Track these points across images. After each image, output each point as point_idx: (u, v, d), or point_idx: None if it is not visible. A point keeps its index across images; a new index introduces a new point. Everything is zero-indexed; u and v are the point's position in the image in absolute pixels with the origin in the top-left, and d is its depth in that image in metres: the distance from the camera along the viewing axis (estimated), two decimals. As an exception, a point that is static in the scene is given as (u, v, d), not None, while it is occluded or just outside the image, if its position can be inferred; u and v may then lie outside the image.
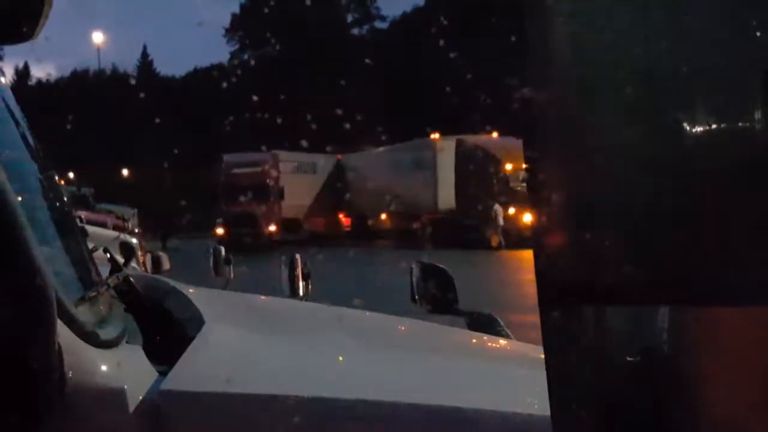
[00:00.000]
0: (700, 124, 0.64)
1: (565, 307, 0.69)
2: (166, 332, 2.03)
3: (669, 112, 0.65)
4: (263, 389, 1.67)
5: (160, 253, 8.01)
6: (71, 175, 35.87)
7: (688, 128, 0.64)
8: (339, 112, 30.22)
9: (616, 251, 0.65)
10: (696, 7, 0.64)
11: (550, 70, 0.70)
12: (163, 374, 1.69)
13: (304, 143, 38.23)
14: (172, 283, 2.56)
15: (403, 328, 2.71)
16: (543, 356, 2.06)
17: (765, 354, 0.61)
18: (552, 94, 0.70)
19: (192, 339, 1.89)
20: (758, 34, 0.61)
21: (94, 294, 1.75)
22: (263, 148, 37.75)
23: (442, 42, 43.77)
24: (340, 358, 1.99)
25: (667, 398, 0.65)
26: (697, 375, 0.64)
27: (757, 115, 0.61)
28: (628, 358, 0.66)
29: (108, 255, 2.35)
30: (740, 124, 0.63)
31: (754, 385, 0.62)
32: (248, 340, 2.04)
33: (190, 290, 2.47)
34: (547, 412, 1.56)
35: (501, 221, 31.24)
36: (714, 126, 0.64)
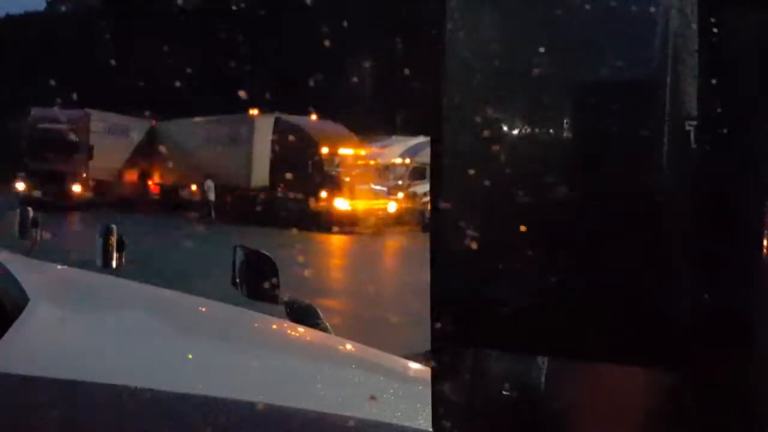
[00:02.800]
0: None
1: (451, 347, 0.70)
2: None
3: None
4: (90, 376, 1.62)
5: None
6: None
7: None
8: (159, 76, 29.44)
9: (501, 297, 0.67)
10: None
11: (463, 73, 0.71)
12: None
13: (119, 105, 37.09)
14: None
15: (220, 314, 2.67)
16: (361, 352, 2.07)
17: (636, 413, 0.65)
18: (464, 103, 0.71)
19: (12, 316, 1.80)
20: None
21: None
22: (75, 105, 36.40)
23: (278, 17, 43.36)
24: (190, 356, 1.95)
25: None
26: (568, 424, 0.67)
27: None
28: (504, 394, 0.68)
29: None
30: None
31: None
32: (75, 322, 1.97)
33: (7, 259, 2.37)
34: (376, 417, 1.59)
35: (212, 197, 33.17)
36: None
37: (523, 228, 0.67)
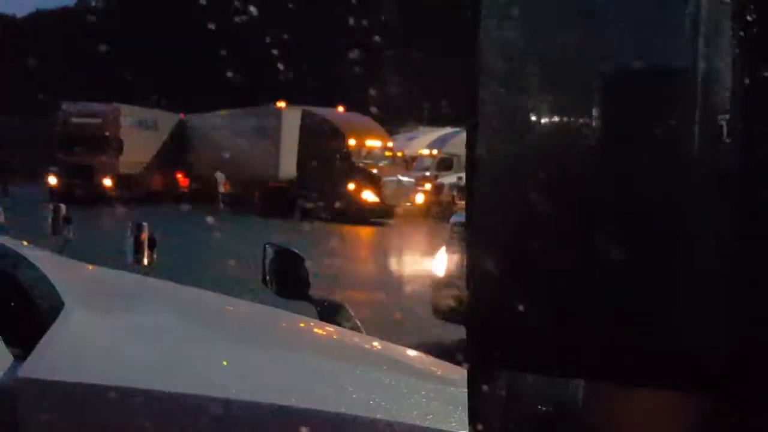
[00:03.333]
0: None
1: (486, 367, 0.70)
2: (19, 311, 1.95)
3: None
4: (123, 381, 1.63)
5: (-4, 207, 7.64)
6: None
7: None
8: (187, 71, 29.56)
9: (539, 319, 0.67)
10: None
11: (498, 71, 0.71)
12: (18, 358, 1.62)
13: (148, 99, 37.28)
14: (20, 248, 2.46)
15: (260, 317, 2.69)
16: (391, 354, 2.07)
17: None
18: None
19: (47, 319, 1.82)
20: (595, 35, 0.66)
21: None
22: (105, 99, 36.65)
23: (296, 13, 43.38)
24: (225, 362, 1.95)
25: None
26: None
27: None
28: (539, 413, 0.69)
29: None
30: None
31: None
32: (109, 326, 1.99)
33: (39, 258, 2.38)
34: (406, 420, 1.59)
35: (222, 188, 33.81)
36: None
37: (558, 244, 0.67)
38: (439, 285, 8.61)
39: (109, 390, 1.55)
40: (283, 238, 3.56)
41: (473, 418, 0.71)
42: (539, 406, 0.70)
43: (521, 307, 0.67)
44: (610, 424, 0.66)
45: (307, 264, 3.42)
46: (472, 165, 0.70)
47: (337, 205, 28.86)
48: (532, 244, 0.68)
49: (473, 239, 0.72)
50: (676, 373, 0.63)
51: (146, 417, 1.54)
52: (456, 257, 8.33)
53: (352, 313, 3.19)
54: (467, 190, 0.72)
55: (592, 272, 0.66)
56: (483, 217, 0.71)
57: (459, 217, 9.13)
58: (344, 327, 2.95)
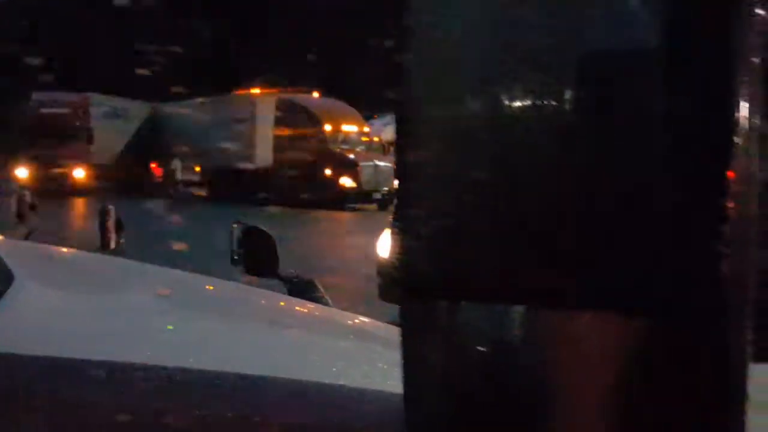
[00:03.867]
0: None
1: (423, 302, 0.68)
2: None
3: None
4: (76, 353, 1.59)
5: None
6: None
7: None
8: (158, 58, 29.40)
9: (473, 249, 0.65)
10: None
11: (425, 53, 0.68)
12: (-35, 332, 1.58)
13: (118, 88, 37.07)
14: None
15: (222, 291, 2.66)
16: (363, 325, 2.06)
17: (612, 360, 0.63)
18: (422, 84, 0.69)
19: (-1, 295, 1.78)
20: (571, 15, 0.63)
21: None
22: (76, 89, 36.47)
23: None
24: (170, 327, 1.93)
25: (514, 390, 0.66)
26: (545, 372, 0.65)
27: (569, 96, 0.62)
28: (479, 349, 0.66)
29: None
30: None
31: (599, 387, 0.64)
32: (61, 300, 1.94)
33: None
34: (379, 387, 1.57)
35: (179, 176, 33.79)
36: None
37: (496, 173, 0.64)
38: (384, 267, 8.57)
39: (55, 360, 1.52)
40: (258, 224, 3.54)
41: (407, 358, 0.69)
42: (478, 340, 0.67)
43: (456, 237, 0.65)
44: (550, 352, 0.65)
45: (279, 245, 3.40)
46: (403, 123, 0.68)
47: (315, 191, 28.89)
48: (469, 168, 0.66)
49: (403, 186, 0.70)
50: (615, 295, 0.62)
51: (97, 387, 1.50)
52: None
53: (322, 289, 3.18)
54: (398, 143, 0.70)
55: (528, 196, 0.64)
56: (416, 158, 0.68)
57: None
58: (314, 302, 2.94)
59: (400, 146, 0.69)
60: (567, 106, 0.63)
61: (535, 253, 0.63)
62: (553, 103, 0.63)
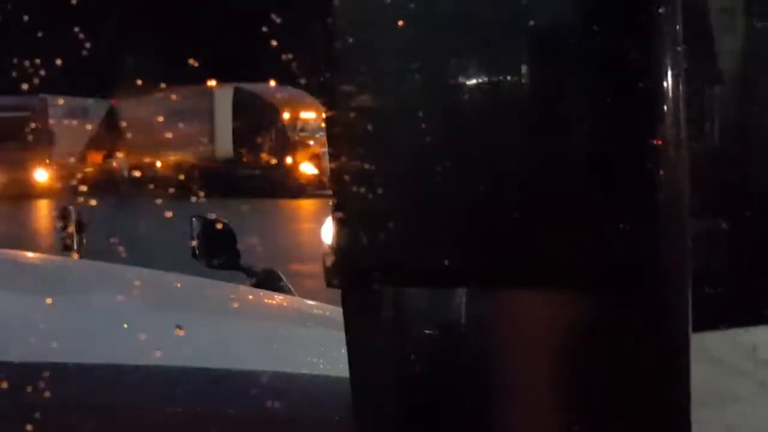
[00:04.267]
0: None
1: (365, 288, 0.68)
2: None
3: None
4: (39, 356, 1.58)
5: None
6: None
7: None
8: (112, 53, 29.13)
9: (414, 234, 0.66)
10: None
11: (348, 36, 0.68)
12: None
13: (76, 87, 36.67)
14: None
15: (184, 286, 2.65)
16: (326, 313, 2.07)
17: (555, 335, 0.63)
18: (348, 66, 0.68)
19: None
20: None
21: None
22: (28, 91, 36.04)
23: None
24: (125, 326, 1.92)
25: (461, 372, 0.67)
26: (489, 352, 0.66)
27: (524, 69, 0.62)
28: (426, 331, 0.67)
29: None
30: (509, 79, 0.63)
31: (543, 365, 0.64)
32: (23, 304, 1.93)
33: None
34: (337, 373, 1.57)
35: (126, 173, 33.35)
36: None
37: (432, 159, 0.65)
38: (328, 254, 8.56)
39: (24, 366, 1.51)
40: (222, 216, 3.52)
41: (352, 345, 0.69)
42: (424, 323, 0.67)
43: (397, 224, 0.65)
44: (493, 332, 0.66)
45: (241, 236, 3.40)
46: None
47: (276, 180, 28.79)
48: (398, 164, 0.66)
49: (338, 173, 0.70)
50: (555, 272, 0.62)
51: (56, 389, 1.50)
52: None
53: (284, 278, 3.18)
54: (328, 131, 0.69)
55: (467, 171, 0.65)
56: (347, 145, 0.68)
57: None
58: (277, 292, 2.94)
59: (332, 134, 0.69)
60: (504, 88, 0.63)
61: (474, 236, 0.64)
62: (488, 85, 0.63)
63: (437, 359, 0.66)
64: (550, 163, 0.62)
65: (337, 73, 0.67)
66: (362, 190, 0.65)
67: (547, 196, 0.62)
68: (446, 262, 0.64)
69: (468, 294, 0.64)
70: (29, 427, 1.43)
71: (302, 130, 32.41)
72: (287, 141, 31.68)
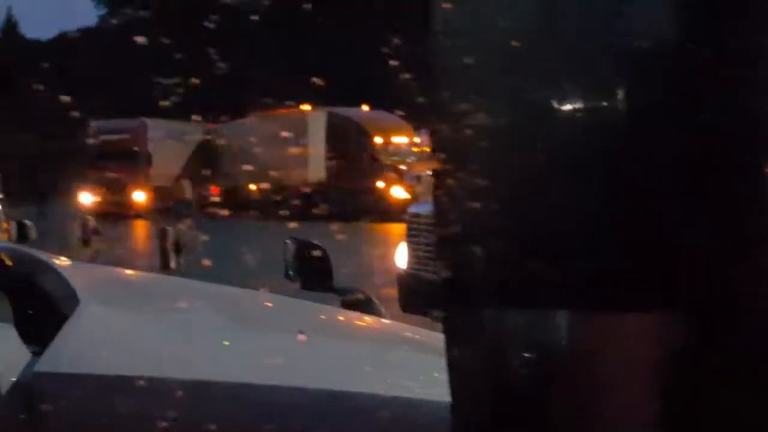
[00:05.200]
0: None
1: (466, 309, 0.69)
2: (38, 310, 1.97)
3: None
4: (142, 371, 1.64)
5: (26, 222, 7.72)
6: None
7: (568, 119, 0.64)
8: (210, 80, 29.67)
9: (517, 254, 0.66)
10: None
11: (452, 63, 0.69)
12: (36, 355, 1.64)
13: (174, 111, 37.45)
14: (42, 255, 2.48)
15: (279, 306, 2.70)
16: (418, 336, 2.08)
17: (657, 362, 0.63)
18: (452, 91, 0.69)
19: (65, 318, 1.84)
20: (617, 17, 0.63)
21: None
22: (131, 114, 36.99)
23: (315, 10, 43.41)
24: (226, 342, 1.97)
25: (560, 395, 0.67)
26: (590, 376, 0.65)
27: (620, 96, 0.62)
28: (525, 355, 0.66)
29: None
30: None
31: (644, 391, 0.64)
32: (124, 320, 2.00)
33: (62, 264, 2.40)
34: (431, 397, 1.59)
35: (188, 195, 33.71)
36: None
37: (537, 180, 0.66)
38: (403, 278, 8.45)
39: (123, 380, 1.57)
40: (313, 239, 3.58)
41: (453, 367, 0.70)
42: (522, 346, 0.67)
43: (499, 244, 0.66)
44: (595, 355, 0.65)
45: (333, 259, 3.43)
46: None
47: (367, 203, 28.85)
48: (504, 184, 0.67)
49: (442, 194, 0.71)
50: (647, 295, 0.62)
51: (165, 405, 1.55)
52: (415, 248, 8.17)
53: (377, 302, 3.20)
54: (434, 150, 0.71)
55: (564, 203, 0.65)
56: (453, 165, 0.69)
57: (415, 208, 9.01)
58: (369, 315, 2.96)
59: (438, 153, 0.71)
60: (598, 110, 0.63)
61: (578, 258, 0.64)
62: (596, 107, 0.63)
63: (537, 384, 0.66)
64: (657, 185, 0.62)
65: (444, 93, 0.68)
66: (466, 209, 0.66)
67: (655, 218, 0.62)
68: (549, 283, 0.64)
69: (570, 317, 0.64)
70: None
71: (394, 154, 32.48)
72: (379, 165, 31.76)
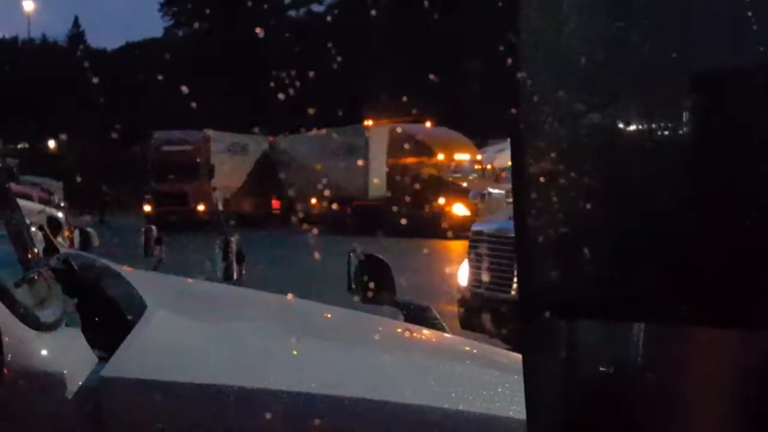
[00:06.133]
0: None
1: (542, 319, 0.68)
2: (104, 316, 1.99)
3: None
4: (206, 379, 1.65)
5: (89, 230, 7.84)
6: (-6, 145, 35.34)
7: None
8: (272, 94, 29.99)
9: (594, 267, 0.65)
10: (630, 10, 0.65)
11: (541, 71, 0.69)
12: (102, 359, 1.65)
13: (236, 124, 37.96)
14: (109, 263, 2.51)
15: (341, 318, 2.70)
16: (479, 351, 2.06)
17: (736, 377, 0.61)
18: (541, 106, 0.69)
19: (131, 324, 1.85)
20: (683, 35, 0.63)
21: (34, 274, 1.70)
22: (194, 126, 37.49)
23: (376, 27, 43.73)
24: (295, 352, 1.97)
25: (636, 411, 0.65)
26: (667, 391, 0.63)
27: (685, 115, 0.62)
28: (601, 369, 0.65)
29: (42, 232, 2.29)
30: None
31: (723, 407, 0.62)
32: (190, 327, 2.00)
33: (127, 272, 2.43)
34: (494, 412, 1.58)
35: (221, 207, 32.89)
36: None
37: (615, 193, 0.65)
38: (465, 296, 8.45)
39: (188, 386, 1.57)
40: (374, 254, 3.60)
41: (530, 376, 0.69)
42: (599, 358, 0.66)
43: (578, 257, 0.65)
44: (671, 369, 0.64)
45: (394, 273, 3.43)
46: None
47: (428, 220, 28.84)
48: (587, 190, 0.66)
49: (523, 189, 0.70)
50: (730, 310, 0.60)
51: (228, 412, 1.55)
52: (477, 266, 8.14)
53: (437, 315, 3.19)
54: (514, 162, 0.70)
55: (642, 216, 0.64)
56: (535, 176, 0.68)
57: (479, 225, 8.98)
58: (430, 328, 2.95)
59: (517, 172, 0.70)
60: (683, 122, 0.63)
61: (654, 271, 0.62)
62: (670, 119, 0.63)
63: (614, 395, 0.65)
64: (738, 201, 0.61)
65: (526, 109, 0.68)
66: (546, 224, 0.66)
67: (735, 235, 0.60)
68: (625, 297, 0.63)
69: (645, 330, 0.63)
70: None
71: (456, 171, 32.45)
72: (440, 181, 31.75)
